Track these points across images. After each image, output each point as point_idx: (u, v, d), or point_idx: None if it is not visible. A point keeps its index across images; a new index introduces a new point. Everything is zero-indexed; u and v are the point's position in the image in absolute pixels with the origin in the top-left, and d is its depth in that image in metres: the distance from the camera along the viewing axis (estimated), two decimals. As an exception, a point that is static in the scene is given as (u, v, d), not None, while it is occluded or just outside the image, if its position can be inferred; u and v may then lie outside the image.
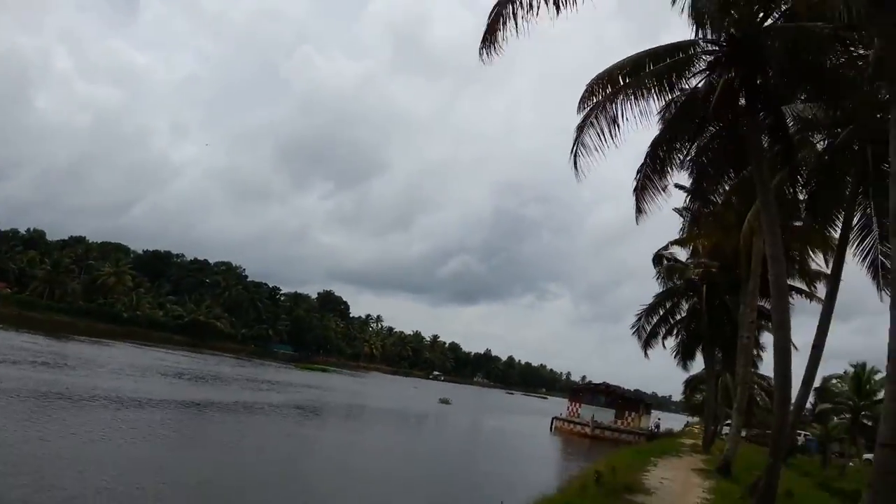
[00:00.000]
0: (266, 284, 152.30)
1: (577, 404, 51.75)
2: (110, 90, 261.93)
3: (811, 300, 25.45)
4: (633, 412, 50.54)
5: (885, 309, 7.57)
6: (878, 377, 42.02)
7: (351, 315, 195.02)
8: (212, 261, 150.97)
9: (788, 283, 16.47)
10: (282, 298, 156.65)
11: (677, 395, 73.26)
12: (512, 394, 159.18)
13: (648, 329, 35.18)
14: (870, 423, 46.02)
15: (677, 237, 30.92)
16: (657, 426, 59.70)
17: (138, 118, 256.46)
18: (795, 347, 13.56)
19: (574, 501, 10.97)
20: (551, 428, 50.44)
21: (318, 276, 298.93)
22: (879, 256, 15.95)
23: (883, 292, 15.85)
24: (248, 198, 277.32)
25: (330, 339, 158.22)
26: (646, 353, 35.61)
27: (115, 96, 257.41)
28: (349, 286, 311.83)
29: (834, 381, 44.34)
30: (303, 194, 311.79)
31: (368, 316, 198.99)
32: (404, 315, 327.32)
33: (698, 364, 39.01)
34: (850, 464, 42.89)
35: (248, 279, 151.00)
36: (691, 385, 56.49)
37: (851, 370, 41.95)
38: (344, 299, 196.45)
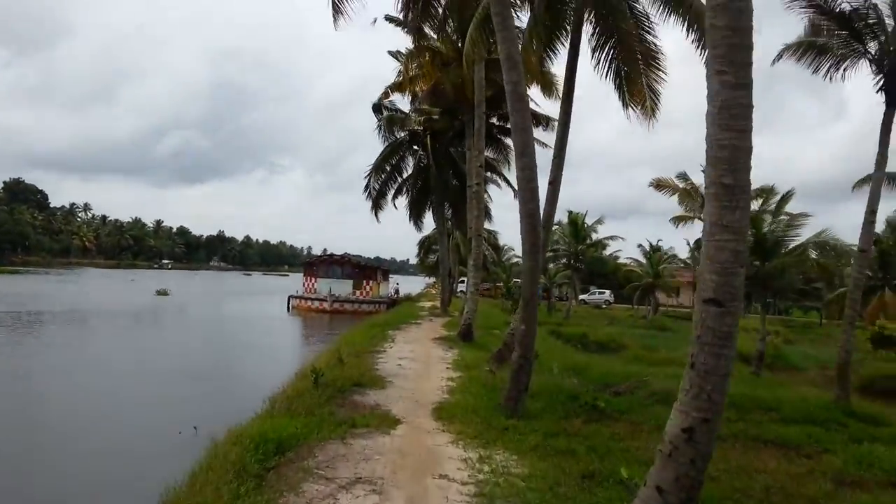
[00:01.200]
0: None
1: (313, 279, 48.46)
2: None
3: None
4: (371, 280, 48.90)
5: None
6: (590, 222, 45.00)
7: (52, 206, 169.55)
8: None
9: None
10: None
11: (415, 259, 74.26)
12: (250, 275, 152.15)
13: (377, 189, 32.70)
14: (583, 267, 50.18)
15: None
16: (396, 291, 59.65)
17: None
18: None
19: (274, 426, 7.44)
20: (288, 307, 47.14)
21: (4, 163, 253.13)
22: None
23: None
24: None
25: (27, 235, 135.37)
26: (376, 216, 33.32)
27: None
28: (48, 173, 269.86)
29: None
30: None
31: (73, 205, 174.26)
32: (121, 201, 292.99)
33: (431, 223, 38.00)
34: (572, 305, 46.38)
35: None
36: (425, 246, 56.68)
37: (566, 216, 44.20)
38: (39, 188, 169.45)
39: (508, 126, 17.16)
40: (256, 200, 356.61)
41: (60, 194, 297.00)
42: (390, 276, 66.87)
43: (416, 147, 31.87)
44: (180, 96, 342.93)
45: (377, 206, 33.32)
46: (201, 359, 22.67)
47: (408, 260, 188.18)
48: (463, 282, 43.17)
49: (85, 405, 14.51)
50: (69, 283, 65.07)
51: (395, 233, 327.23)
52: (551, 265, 45.95)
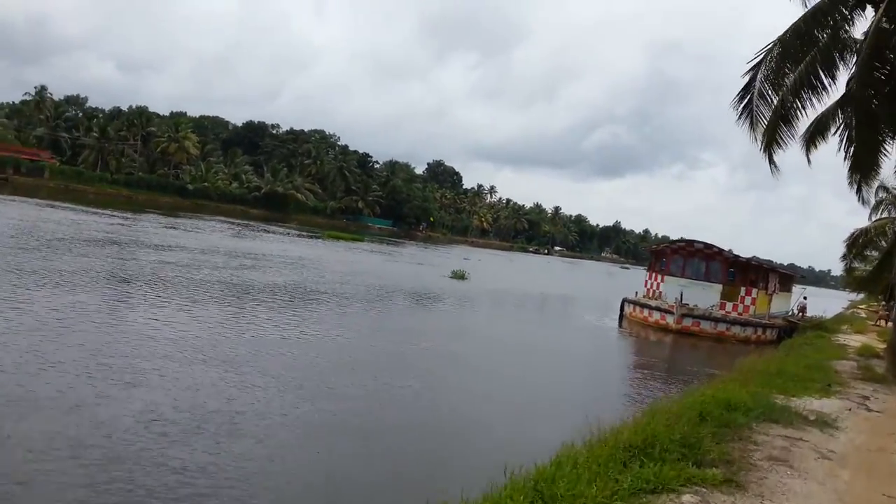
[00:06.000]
0: (357, 152, 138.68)
1: (658, 277, 32.33)
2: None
3: None
4: (755, 288, 30.86)
5: None
6: None
7: (464, 187, 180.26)
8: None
9: None
10: (376, 167, 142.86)
11: (838, 270, 50.57)
12: (628, 268, 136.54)
13: (773, 104, 15.42)
14: None
15: None
16: (802, 310, 39.39)
17: (280, 2, 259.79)
18: None
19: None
20: (621, 318, 31.80)
21: (457, 154, 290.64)
22: None
23: None
24: (390, 77, 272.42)
25: (431, 212, 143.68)
26: (771, 160, 15.91)
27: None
28: (488, 163, 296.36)
29: None
30: (446, 69, 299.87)
31: (480, 187, 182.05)
32: (543, 192, 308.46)
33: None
34: None
35: (351, 149, 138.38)
36: (858, 244, 35.10)
37: None
38: (456, 170, 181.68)
39: None
40: (669, 196, 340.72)
41: (496, 183, 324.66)
42: (796, 286, 45.90)
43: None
44: (615, 92, 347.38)
45: (772, 143, 15.93)
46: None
47: (829, 271, 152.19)
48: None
49: None
50: (413, 258, 59.72)
51: (820, 237, 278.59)
52: None
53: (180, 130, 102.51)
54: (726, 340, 28.03)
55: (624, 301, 32.42)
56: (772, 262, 52.14)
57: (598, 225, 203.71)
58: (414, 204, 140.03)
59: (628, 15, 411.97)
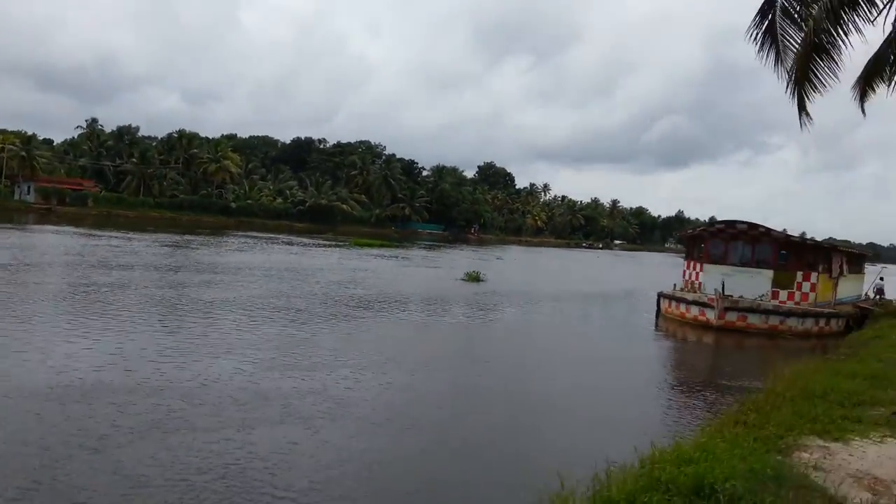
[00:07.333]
0: (402, 159, 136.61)
1: (696, 266, 27.42)
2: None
3: None
4: (815, 272, 25.57)
5: None
6: None
7: (518, 187, 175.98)
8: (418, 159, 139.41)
9: None
10: (423, 173, 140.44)
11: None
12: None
13: (805, 28, 11.36)
14: None
15: None
16: (879, 292, 33.99)
17: (333, 23, 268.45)
18: None
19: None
20: (658, 315, 27.27)
21: (514, 156, 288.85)
22: None
23: None
24: (445, 86, 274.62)
25: (481, 214, 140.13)
26: (801, 103, 11.78)
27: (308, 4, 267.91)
28: (548, 163, 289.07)
29: None
30: (500, 74, 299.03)
31: (533, 185, 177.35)
32: (604, 188, 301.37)
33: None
34: None
35: (397, 157, 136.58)
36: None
37: None
38: (508, 171, 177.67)
39: None
40: (733, 183, 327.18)
41: (556, 182, 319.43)
42: (870, 265, 40.18)
43: None
44: (674, 81, 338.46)
45: (803, 83, 11.71)
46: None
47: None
48: None
49: None
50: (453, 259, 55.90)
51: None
52: None
53: (220, 150, 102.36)
54: (781, 335, 23.51)
55: (659, 295, 28.14)
56: (848, 241, 46.48)
57: (659, 216, 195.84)
58: (464, 207, 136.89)
59: (682, 4, 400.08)
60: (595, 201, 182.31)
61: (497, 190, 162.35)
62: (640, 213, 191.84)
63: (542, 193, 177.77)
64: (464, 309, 25.31)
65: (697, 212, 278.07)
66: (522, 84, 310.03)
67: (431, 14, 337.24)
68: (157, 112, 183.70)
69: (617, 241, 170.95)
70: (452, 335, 19.63)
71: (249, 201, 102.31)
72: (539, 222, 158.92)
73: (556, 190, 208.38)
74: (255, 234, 74.85)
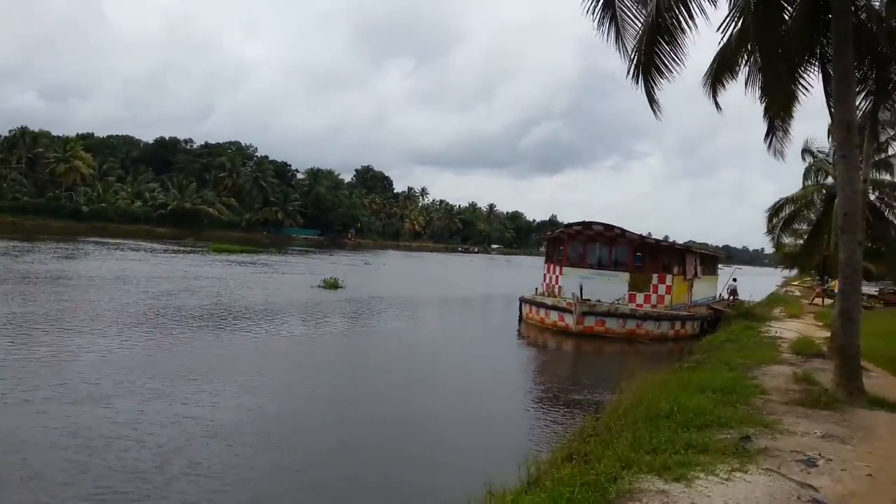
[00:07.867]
0: (275, 161, 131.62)
1: (556, 268, 26.95)
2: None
3: None
4: (669, 274, 25.39)
5: None
6: None
7: (396, 191, 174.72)
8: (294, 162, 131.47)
9: None
10: (298, 176, 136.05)
11: (770, 247, 46.91)
12: None
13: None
14: None
15: None
16: (732, 293, 35.28)
17: (207, 20, 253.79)
18: None
19: None
20: (520, 319, 26.78)
21: (398, 160, 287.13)
22: None
23: None
24: (325, 88, 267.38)
25: (357, 218, 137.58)
26: (649, 93, 10.87)
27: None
28: (430, 167, 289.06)
29: None
30: (384, 76, 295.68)
31: (411, 189, 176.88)
32: (484, 193, 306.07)
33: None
34: None
35: (270, 159, 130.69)
36: (782, 216, 31.02)
37: None
38: (386, 174, 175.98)
39: None
40: (603, 188, 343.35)
41: (435, 187, 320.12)
42: (723, 266, 41.91)
43: None
44: (551, 88, 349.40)
45: (649, 69, 10.77)
46: None
47: (762, 249, 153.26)
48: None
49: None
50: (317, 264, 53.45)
51: (753, 217, 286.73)
52: None
53: (70, 149, 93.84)
54: (639, 340, 23.31)
55: (521, 300, 27.44)
56: (706, 244, 48.42)
57: (534, 220, 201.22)
58: (340, 211, 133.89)
59: (558, 11, 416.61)
60: (473, 205, 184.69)
61: (375, 194, 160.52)
62: (515, 217, 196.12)
63: (421, 198, 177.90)
64: (313, 318, 23.31)
65: (571, 215, 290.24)
66: (405, 87, 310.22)
67: (311, 13, 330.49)
68: (8, 109, 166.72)
69: (494, 245, 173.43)
70: (291, 349, 17.62)
71: (104, 204, 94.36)
72: (417, 227, 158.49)
73: (436, 194, 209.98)
74: (105, 239, 68.70)
